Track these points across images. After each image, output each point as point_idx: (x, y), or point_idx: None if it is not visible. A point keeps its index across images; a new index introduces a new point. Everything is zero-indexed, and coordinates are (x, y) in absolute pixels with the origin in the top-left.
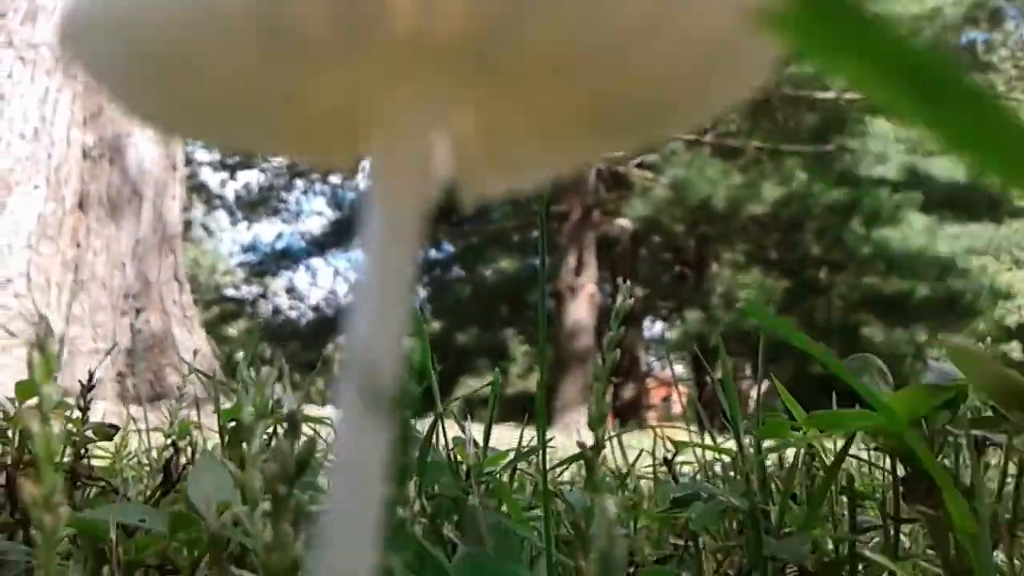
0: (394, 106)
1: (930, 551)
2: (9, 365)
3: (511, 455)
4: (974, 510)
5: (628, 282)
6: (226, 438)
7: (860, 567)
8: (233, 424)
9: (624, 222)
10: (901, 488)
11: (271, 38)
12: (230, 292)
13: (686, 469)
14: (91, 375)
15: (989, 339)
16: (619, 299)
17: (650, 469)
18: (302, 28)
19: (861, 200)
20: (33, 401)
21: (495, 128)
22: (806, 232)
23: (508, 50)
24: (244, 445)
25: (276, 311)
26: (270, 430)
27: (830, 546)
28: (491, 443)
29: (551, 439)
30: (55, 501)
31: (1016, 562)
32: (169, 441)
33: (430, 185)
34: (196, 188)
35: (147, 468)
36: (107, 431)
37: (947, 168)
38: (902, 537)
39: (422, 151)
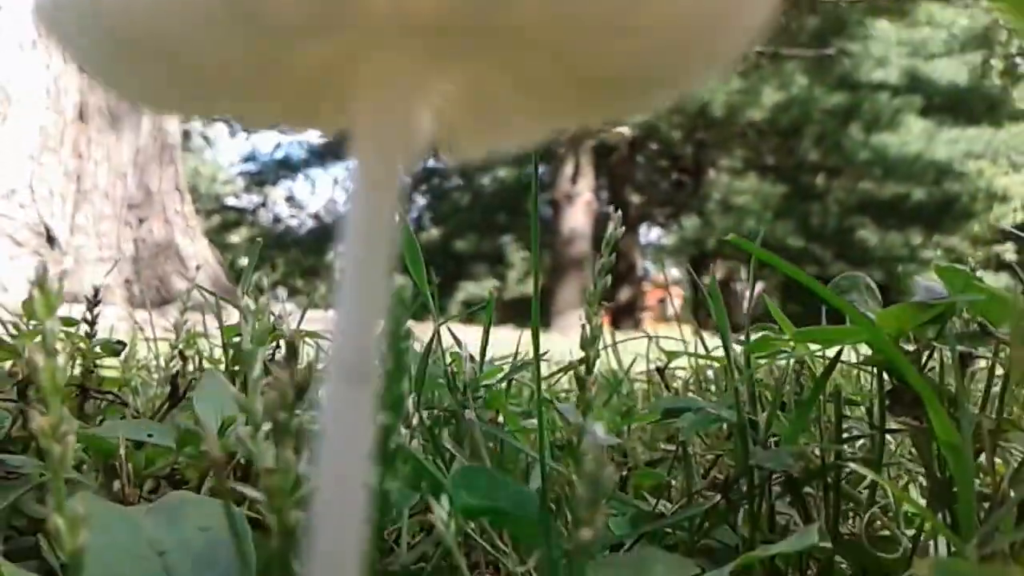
0: (375, 73)
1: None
2: (18, 274)
3: (507, 368)
4: (957, 421)
5: (619, 210)
6: (230, 353)
7: (845, 474)
8: (237, 339)
9: (622, 129)
10: (887, 400)
11: (247, 24)
12: (231, 201)
13: (681, 373)
14: (96, 291)
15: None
16: (610, 227)
17: (644, 373)
18: (276, 15)
19: (861, 105)
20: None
21: (480, 93)
22: (804, 138)
23: (486, 24)
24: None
25: (276, 219)
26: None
27: (816, 453)
28: (492, 345)
29: (545, 353)
30: (63, 430)
31: (998, 460)
32: (176, 351)
33: (412, 147)
34: None
35: (156, 376)
36: (114, 347)
37: (947, 71)
38: (890, 443)
39: (404, 114)
